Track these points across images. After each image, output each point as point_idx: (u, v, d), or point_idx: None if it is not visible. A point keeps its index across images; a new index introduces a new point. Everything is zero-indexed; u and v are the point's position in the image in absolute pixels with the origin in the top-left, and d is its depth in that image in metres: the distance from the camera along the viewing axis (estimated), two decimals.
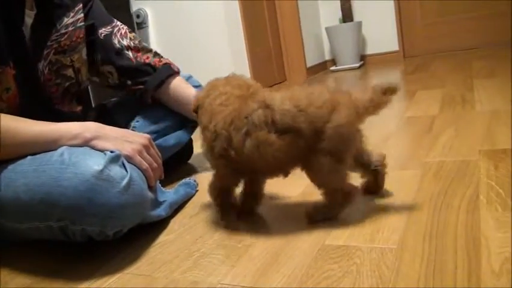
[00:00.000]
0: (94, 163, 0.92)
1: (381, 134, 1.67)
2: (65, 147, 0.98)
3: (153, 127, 1.45)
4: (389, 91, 0.94)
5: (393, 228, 0.93)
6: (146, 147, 1.10)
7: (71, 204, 0.90)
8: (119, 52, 1.41)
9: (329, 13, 4.58)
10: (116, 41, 1.41)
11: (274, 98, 0.97)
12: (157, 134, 1.44)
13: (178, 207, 1.24)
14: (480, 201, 0.98)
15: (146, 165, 1.07)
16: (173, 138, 1.48)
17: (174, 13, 3.19)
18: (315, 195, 1.16)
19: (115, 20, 1.45)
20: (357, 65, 4.31)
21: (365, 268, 0.80)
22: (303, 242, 0.93)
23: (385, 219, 0.97)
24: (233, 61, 3.07)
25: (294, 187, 1.26)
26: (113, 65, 1.41)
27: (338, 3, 4.39)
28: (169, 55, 3.33)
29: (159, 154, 1.15)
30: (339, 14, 4.41)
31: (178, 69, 1.51)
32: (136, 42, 1.45)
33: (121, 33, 1.42)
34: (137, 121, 1.47)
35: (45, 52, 1.21)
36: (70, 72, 1.28)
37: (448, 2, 4.26)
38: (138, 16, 3.20)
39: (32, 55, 1.18)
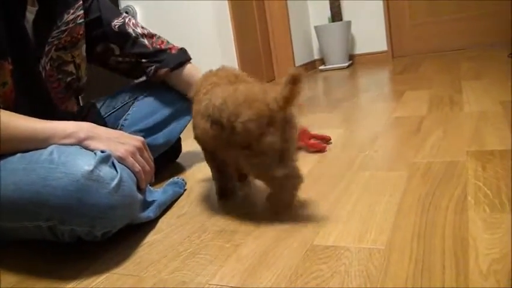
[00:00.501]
0: (84, 163, 0.91)
1: (369, 134, 1.68)
2: (54, 145, 0.97)
3: (142, 124, 1.45)
4: (292, 81, 0.94)
5: (382, 228, 0.93)
6: (139, 150, 1.09)
7: (60, 204, 0.89)
8: (136, 40, 1.45)
9: (318, 12, 4.59)
10: (131, 30, 1.45)
11: (216, 92, 1.07)
12: (145, 132, 1.43)
13: (165, 207, 1.23)
14: (468, 202, 0.99)
15: (139, 167, 1.06)
16: (162, 137, 1.47)
17: (163, 11, 3.17)
18: (304, 193, 1.17)
19: (122, 12, 1.48)
20: (346, 64, 4.32)
21: (354, 268, 0.80)
22: (291, 242, 0.93)
23: (373, 220, 0.97)
24: (222, 60, 3.06)
25: None
26: (132, 54, 1.45)
27: (327, 3, 4.39)
28: None
29: (152, 158, 1.15)
30: (328, 13, 4.42)
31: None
32: (147, 30, 1.49)
33: (132, 23, 1.46)
34: (125, 119, 1.47)
35: (46, 48, 1.22)
36: (71, 67, 1.31)
37: (436, 3, 4.28)
38: (127, 13, 3.18)
39: (34, 51, 1.18)
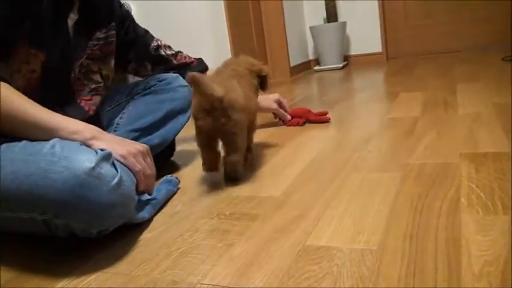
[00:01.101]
0: (86, 159, 0.91)
1: (363, 135, 1.68)
2: (57, 139, 0.98)
3: (137, 124, 1.44)
4: (192, 82, 1.21)
5: (374, 229, 0.93)
6: (142, 153, 1.13)
7: (58, 198, 0.89)
8: (166, 60, 1.65)
9: (314, 13, 4.59)
10: (163, 53, 1.64)
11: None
12: (140, 132, 1.43)
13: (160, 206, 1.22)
14: (461, 204, 0.99)
15: (139, 167, 1.09)
16: (158, 137, 1.47)
17: (159, 11, 3.16)
18: (297, 193, 1.17)
19: (150, 34, 1.65)
20: (341, 65, 4.32)
21: (346, 269, 0.80)
22: (284, 242, 0.93)
23: (366, 221, 0.97)
24: (217, 60, 3.06)
25: (276, 186, 1.26)
26: (162, 69, 1.64)
27: (323, 3, 4.39)
28: None
29: (154, 168, 1.18)
30: (323, 13, 4.42)
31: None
32: (172, 49, 1.68)
33: (164, 45, 1.65)
34: (121, 118, 1.47)
35: (79, 55, 1.30)
36: (97, 77, 1.37)
37: (431, 5, 4.29)
38: None
39: (70, 52, 1.25)
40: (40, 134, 1.00)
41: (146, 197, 1.16)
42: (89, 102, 1.34)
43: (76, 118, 1.10)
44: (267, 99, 1.96)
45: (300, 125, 1.98)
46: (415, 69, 3.51)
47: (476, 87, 2.31)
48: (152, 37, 1.63)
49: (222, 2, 3.19)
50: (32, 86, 1.16)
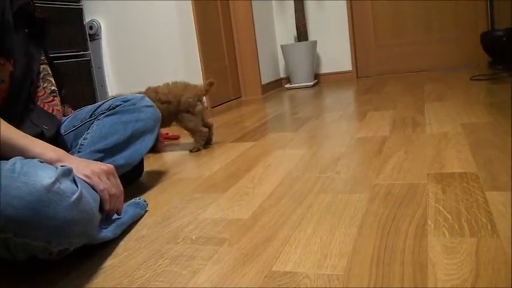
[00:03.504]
0: (46, 175, 0.89)
1: (332, 155, 1.67)
2: (18, 157, 0.95)
3: (101, 144, 1.41)
4: (210, 84, 2.14)
5: (341, 253, 0.92)
6: (106, 172, 1.14)
7: (17, 214, 0.85)
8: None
9: (285, 31, 4.62)
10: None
11: (159, 87, 2.10)
12: (105, 153, 1.40)
13: (125, 228, 1.19)
14: (428, 226, 0.99)
15: (104, 186, 1.10)
16: (123, 158, 1.44)
17: (128, 26, 3.13)
18: (265, 215, 1.15)
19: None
20: (311, 83, 4.35)
21: None
22: (250, 268, 0.91)
23: (333, 244, 0.96)
24: (188, 77, 3.04)
25: (245, 208, 1.24)
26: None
27: (293, 22, 4.43)
28: (121, 67, 3.27)
29: (121, 187, 1.18)
30: (294, 32, 4.45)
31: None
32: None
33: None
34: (84, 138, 1.43)
35: (36, 65, 1.33)
36: (52, 79, 1.40)
37: (401, 25, 4.36)
38: (91, 28, 3.14)
39: (32, 60, 1.29)
40: (7, 154, 0.99)
41: (115, 216, 1.15)
42: (51, 104, 1.35)
43: (49, 127, 1.17)
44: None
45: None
46: (384, 88, 3.55)
47: (444, 107, 2.34)
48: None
49: (192, 18, 3.19)
50: (1, 97, 1.16)
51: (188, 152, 2.07)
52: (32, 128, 1.22)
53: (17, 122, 1.16)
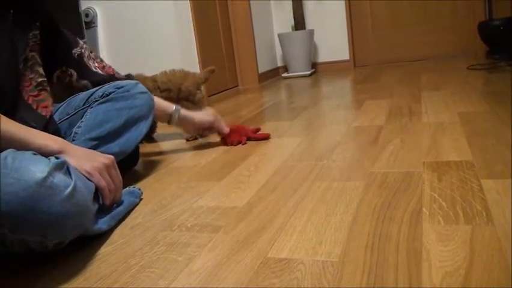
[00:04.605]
0: (38, 170, 0.88)
1: (328, 144, 1.67)
2: (10, 150, 0.93)
3: (95, 132, 1.41)
4: (210, 71, 2.19)
5: (336, 240, 0.92)
6: (107, 167, 1.14)
7: (10, 211, 0.85)
8: (92, 70, 1.56)
9: (282, 20, 4.61)
10: (86, 60, 1.55)
11: (157, 76, 2.15)
12: (99, 141, 1.40)
13: (120, 218, 1.19)
14: (423, 214, 0.99)
15: (104, 183, 1.10)
16: (117, 146, 1.43)
17: (124, 14, 3.12)
18: (261, 203, 1.15)
19: (78, 39, 1.57)
20: (309, 72, 4.34)
21: (306, 282, 0.78)
22: (245, 254, 0.91)
23: (328, 231, 0.96)
24: (184, 65, 3.03)
25: (240, 196, 1.24)
26: (88, 80, 1.56)
27: (291, 11, 4.41)
28: (117, 56, 3.25)
29: (120, 178, 1.19)
30: (291, 21, 4.43)
31: None
32: (98, 59, 1.62)
33: (89, 55, 1.56)
34: (79, 126, 1.43)
35: (23, 48, 1.27)
36: (41, 70, 1.34)
37: (398, 14, 4.35)
38: (87, 15, 3.12)
39: (12, 47, 1.22)
40: (7, 147, 0.97)
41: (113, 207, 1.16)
42: (36, 99, 1.30)
43: (37, 125, 1.12)
44: (204, 112, 1.87)
45: (243, 144, 1.87)
46: (381, 77, 3.54)
47: (441, 96, 2.34)
48: (77, 43, 1.54)
49: (189, 6, 3.17)
50: None
51: (185, 140, 2.07)
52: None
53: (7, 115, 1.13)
